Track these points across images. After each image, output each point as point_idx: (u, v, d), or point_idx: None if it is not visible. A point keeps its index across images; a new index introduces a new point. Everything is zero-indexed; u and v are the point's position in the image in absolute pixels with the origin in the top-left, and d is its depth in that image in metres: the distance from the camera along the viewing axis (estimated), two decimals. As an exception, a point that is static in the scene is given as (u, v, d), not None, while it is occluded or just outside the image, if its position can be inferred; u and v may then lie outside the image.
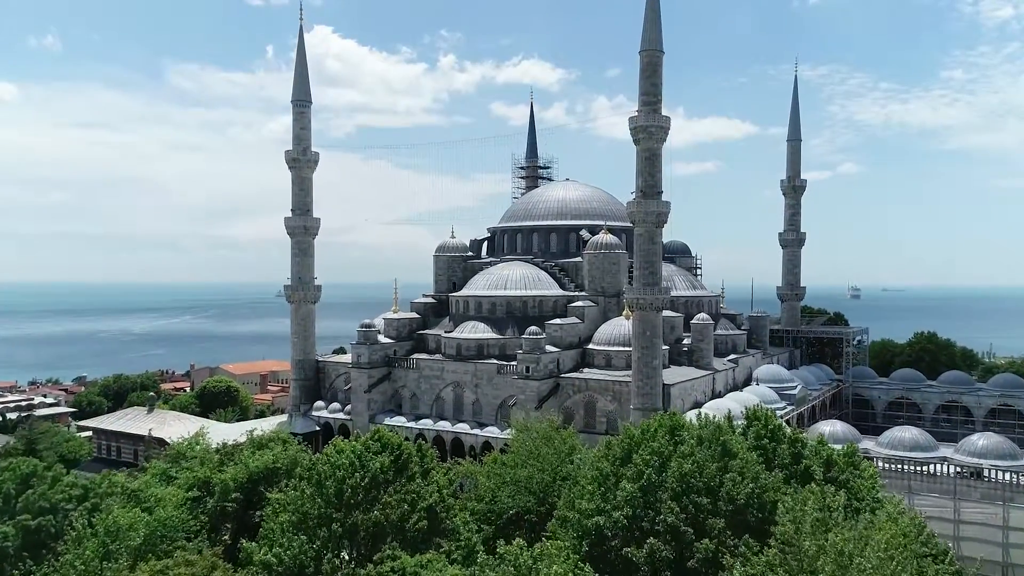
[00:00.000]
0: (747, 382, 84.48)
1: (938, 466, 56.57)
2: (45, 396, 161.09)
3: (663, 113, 66.75)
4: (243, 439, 54.66)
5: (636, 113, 66.77)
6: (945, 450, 62.14)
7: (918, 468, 56.03)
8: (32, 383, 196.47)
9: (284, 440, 50.41)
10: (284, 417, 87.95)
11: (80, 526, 36.60)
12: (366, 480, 36.63)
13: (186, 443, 50.30)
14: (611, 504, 36.36)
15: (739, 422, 45.63)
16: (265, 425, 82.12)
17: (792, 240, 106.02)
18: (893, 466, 55.95)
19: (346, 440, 41.72)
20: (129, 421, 77.00)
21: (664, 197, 67.37)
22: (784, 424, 44.46)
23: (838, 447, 44.58)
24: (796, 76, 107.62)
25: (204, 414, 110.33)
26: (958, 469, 55.78)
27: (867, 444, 62.42)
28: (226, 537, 47.57)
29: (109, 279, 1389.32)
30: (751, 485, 35.66)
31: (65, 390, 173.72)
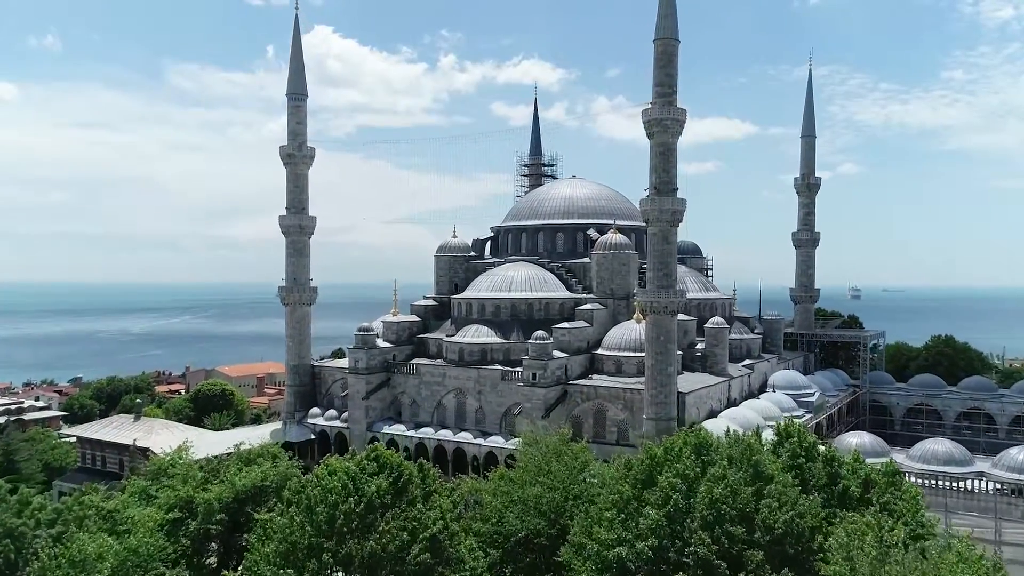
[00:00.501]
0: (763, 388, 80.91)
1: (975, 482, 52.89)
2: (37, 399, 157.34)
3: (678, 105, 63.13)
4: (231, 450, 51.20)
5: (650, 105, 63.16)
6: (981, 464, 58.47)
7: (954, 484, 52.38)
8: (27, 384, 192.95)
9: (274, 455, 46.73)
10: (278, 424, 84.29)
11: (45, 556, 32.97)
12: (361, 506, 32.95)
13: (168, 458, 46.61)
14: (633, 533, 32.75)
15: (767, 435, 42.04)
16: (258, 433, 78.69)
17: (806, 240, 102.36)
18: (927, 482, 52.28)
19: (340, 458, 38.11)
20: (115, 429, 73.28)
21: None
22: (817, 440, 40.79)
23: (873, 462, 41.20)
24: (810, 71, 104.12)
25: (199, 418, 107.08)
26: (997, 486, 52.10)
27: (897, 457, 58.58)
28: (212, 560, 44.06)
29: (109, 279, 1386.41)
30: (790, 512, 32.06)
31: (60, 391, 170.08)
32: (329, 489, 33.54)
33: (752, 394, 78.40)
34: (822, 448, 39.18)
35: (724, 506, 32.08)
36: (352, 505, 32.85)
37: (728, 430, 39.66)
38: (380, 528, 32.76)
